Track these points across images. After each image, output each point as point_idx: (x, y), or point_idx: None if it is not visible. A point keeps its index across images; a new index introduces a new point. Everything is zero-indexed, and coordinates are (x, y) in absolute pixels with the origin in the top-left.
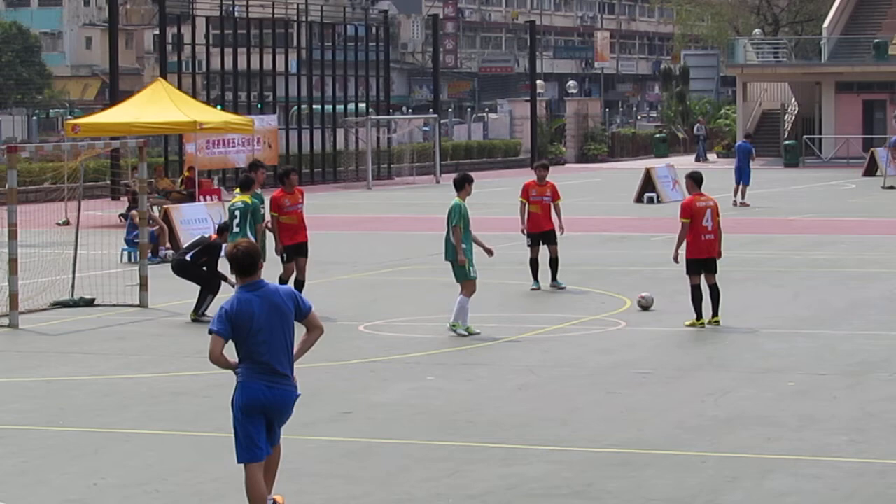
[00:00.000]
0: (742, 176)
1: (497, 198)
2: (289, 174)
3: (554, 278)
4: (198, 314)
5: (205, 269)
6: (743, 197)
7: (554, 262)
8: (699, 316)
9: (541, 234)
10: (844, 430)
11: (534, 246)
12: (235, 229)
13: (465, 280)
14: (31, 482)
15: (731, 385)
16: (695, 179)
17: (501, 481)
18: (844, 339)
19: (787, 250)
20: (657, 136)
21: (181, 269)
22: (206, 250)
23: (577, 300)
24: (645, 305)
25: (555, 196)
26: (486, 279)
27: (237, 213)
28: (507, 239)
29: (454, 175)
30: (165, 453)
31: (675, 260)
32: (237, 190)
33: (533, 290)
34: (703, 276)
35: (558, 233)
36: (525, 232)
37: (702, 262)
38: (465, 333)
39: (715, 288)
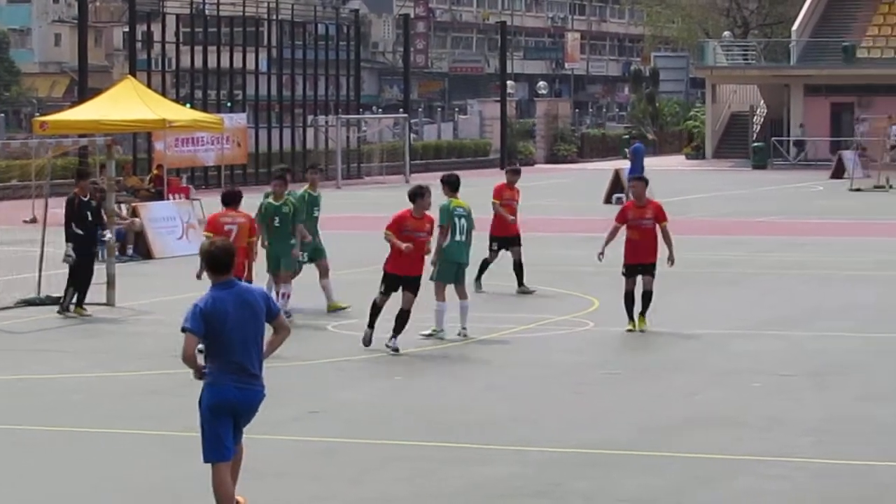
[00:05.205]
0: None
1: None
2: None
3: None
4: (80, 305)
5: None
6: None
7: None
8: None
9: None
10: (810, 431)
11: None
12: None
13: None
14: None
15: (697, 386)
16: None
17: (468, 481)
18: (811, 341)
19: (754, 252)
20: (626, 136)
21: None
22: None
23: (546, 301)
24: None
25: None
26: None
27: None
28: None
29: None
30: (136, 452)
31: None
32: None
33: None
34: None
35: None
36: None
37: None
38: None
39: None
